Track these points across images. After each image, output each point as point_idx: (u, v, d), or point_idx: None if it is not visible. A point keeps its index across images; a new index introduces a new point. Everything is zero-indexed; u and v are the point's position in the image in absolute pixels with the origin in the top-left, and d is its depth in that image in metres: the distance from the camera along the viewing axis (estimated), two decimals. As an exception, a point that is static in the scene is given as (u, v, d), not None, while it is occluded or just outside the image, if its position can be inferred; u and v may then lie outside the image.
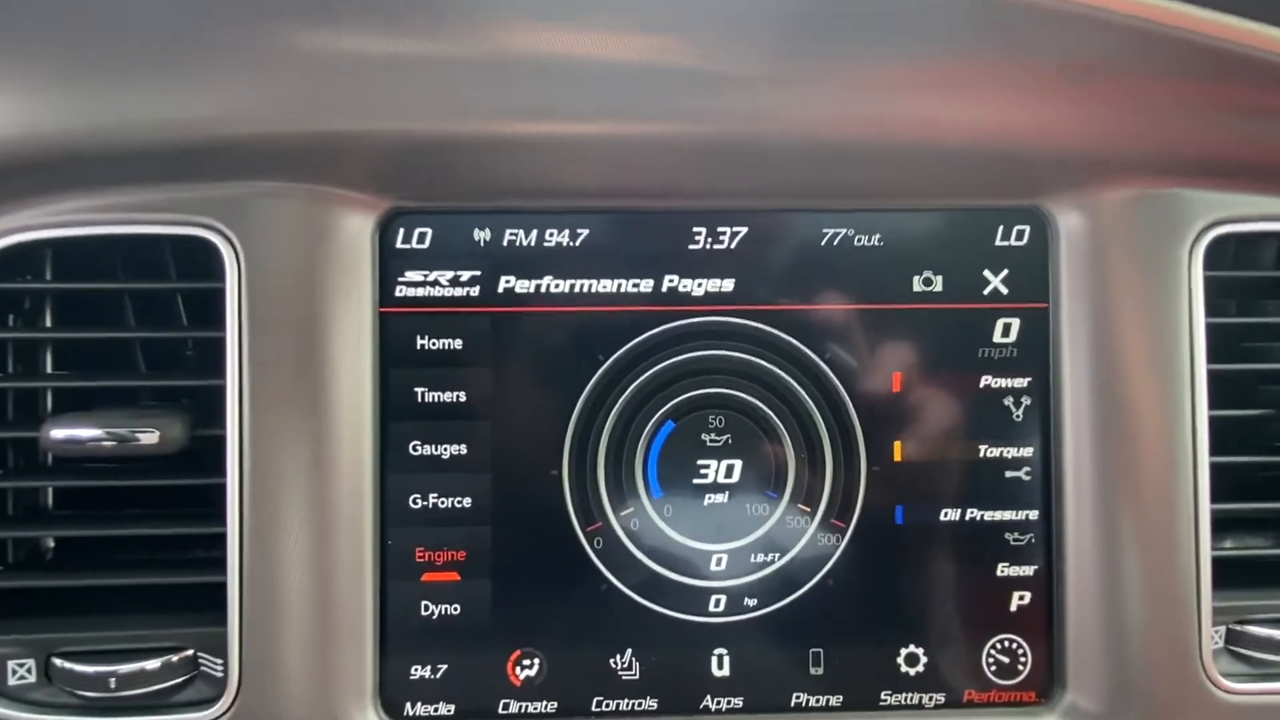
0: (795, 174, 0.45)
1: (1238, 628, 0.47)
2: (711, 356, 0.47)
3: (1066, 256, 0.47)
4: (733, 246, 0.47)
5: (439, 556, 0.46)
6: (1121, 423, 0.46)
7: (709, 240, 0.47)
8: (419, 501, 0.46)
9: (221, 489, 0.43)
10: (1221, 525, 0.48)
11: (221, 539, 0.43)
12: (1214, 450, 0.46)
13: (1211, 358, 0.46)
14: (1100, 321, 0.46)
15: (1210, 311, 0.46)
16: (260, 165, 0.43)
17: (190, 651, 0.44)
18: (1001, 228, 0.48)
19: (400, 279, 0.46)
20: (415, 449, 0.46)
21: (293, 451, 0.44)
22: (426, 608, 0.46)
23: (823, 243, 0.47)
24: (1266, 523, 0.50)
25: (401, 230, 0.46)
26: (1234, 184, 0.46)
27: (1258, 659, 0.46)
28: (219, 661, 0.44)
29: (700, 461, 0.47)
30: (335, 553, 0.44)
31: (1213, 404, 0.46)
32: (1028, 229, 0.47)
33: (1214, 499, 0.46)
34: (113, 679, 0.42)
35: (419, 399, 0.46)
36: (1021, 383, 0.47)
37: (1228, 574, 0.47)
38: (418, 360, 0.46)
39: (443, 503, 0.46)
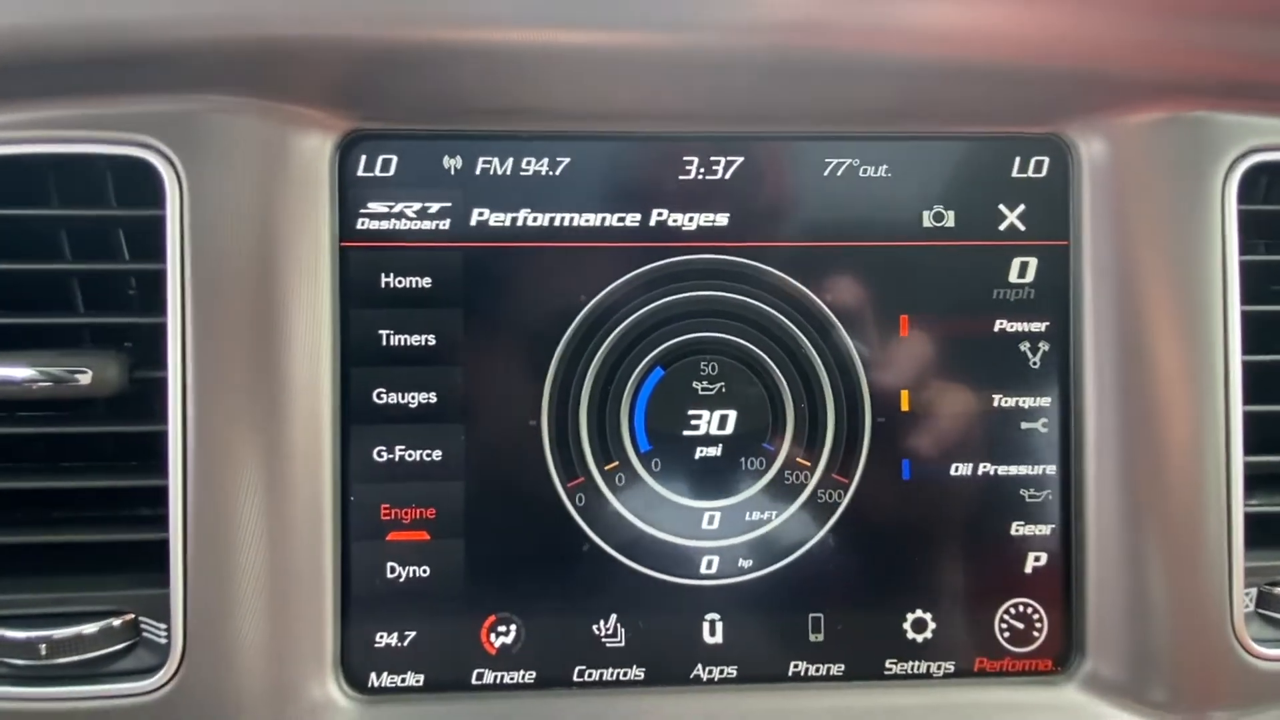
0: (794, 93, 0.41)
1: (1269, 589, 0.43)
2: (704, 297, 0.43)
3: (1089, 189, 0.43)
4: (727, 177, 0.43)
5: (406, 514, 0.42)
6: (1146, 369, 0.42)
7: (701, 170, 0.43)
8: (384, 454, 0.42)
9: (163, 437, 0.39)
10: (1250, 481, 0.45)
11: (165, 493, 0.39)
12: (1246, 399, 0.42)
13: (1244, 299, 0.43)
14: (1124, 260, 0.43)
15: (1241, 249, 0.43)
16: (203, 77, 0.39)
17: (131, 615, 0.40)
18: (1019, 158, 0.44)
19: (363, 210, 0.42)
20: (380, 397, 0.42)
21: (242, 398, 0.40)
22: (393, 570, 0.42)
23: (825, 174, 0.43)
24: (1296, 479, 0.47)
25: (364, 156, 0.42)
26: (1272, 106, 0.42)
27: (1291, 624, 0.43)
28: (163, 627, 0.40)
29: (691, 411, 0.43)
30: (291, 509, 0.40)
31: (1245, 349, 0.42)
32: (1047, 160, 0.44)
33: (1246, 451, 0.42)
34: (44, 645, 0.38)
35: (384, 342, 0.42)
36: (1039, 327, 0.44)
37: (1256, 532, 0.43)
38: (382, 300, 0.42)
39: (410, 456, 0.42)
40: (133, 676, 0.39)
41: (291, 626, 0.40)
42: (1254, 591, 0.43)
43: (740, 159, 0.43)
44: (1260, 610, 0.44)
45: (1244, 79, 0.42)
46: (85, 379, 0.38)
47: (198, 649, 0.39)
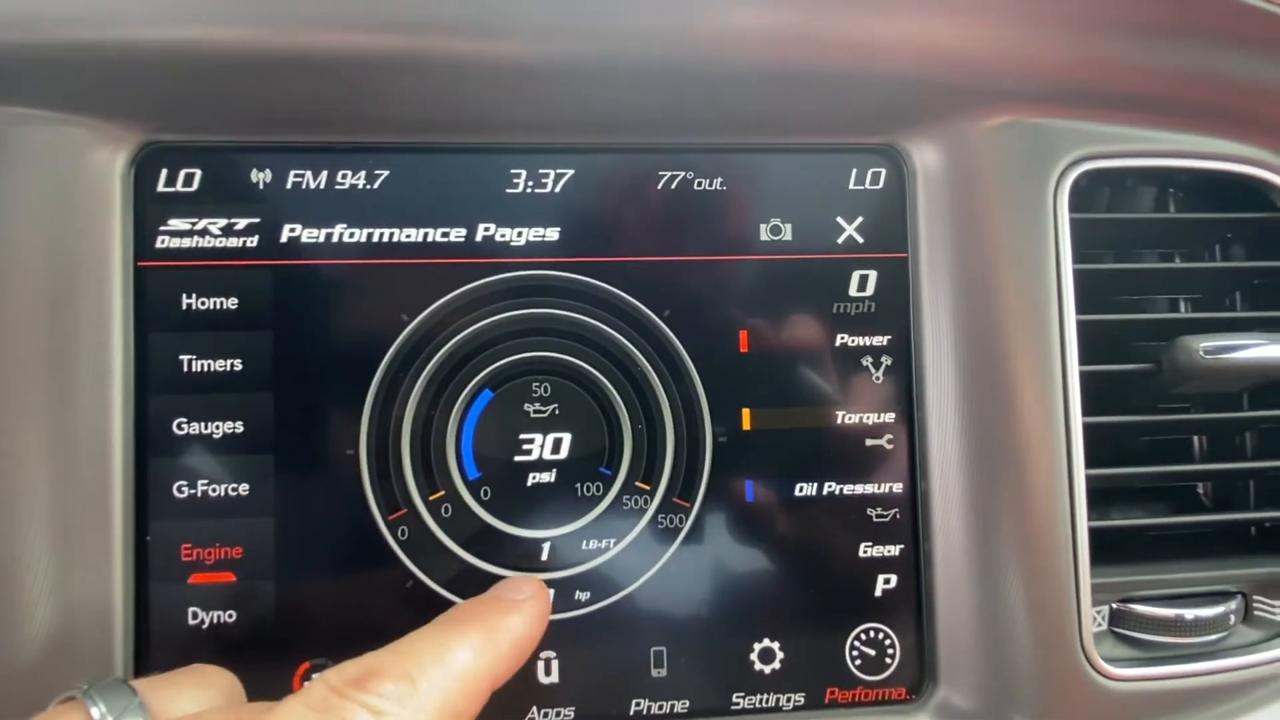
0: (622, 102, 0.40)
1: (1121, 607, 0.42)
2: (535, 315, 0.41)
3: (924, 200, 0.42)
4: (557, 190, 0.42)
5: (210, 554, 0.39)
6: (987, 383, 0.41)
7: (530, 184, 0.41)
8: (185, 489, 0.39)
9: (-76, 474, 0.36)
10: (1105, 496, 0.44)
11: (-74, 536, 0.36)
12: (1088, 410, 0.42)
13: (1083, 309, 0.42)
14: (961, 271, 0.42)
15: (1083, 261, 0.43)
16: (-28, 85, 0.36)
17: (-110, 674, 0.36)
18: (855, 170, 0.43)
19: (162, 228, 0.39)
20: (181, 427, 0.39)
21: (21, 429, 0.36)
22: (195, 615, 0.39)
23: (659, 186, 0.42)
24: (1149, 492, 0.46)
25: (164, 171, 0.39)
26: (1106, 115, 0.42)
27: (1143, 640, 0.42)
28: (-75, 686, 0.36)
29: (523, 436, 0.41)
30: (78, 550, 0.37)
31: (1085, 359, 0.42)
32: (883, 171, 0.43)
33: (1093, 465, 0.42)
34: None
35: (185, 368, 0.39)
36: (881, 340, 0.43)
37: (1111, 549, 0.42)
38: (184, 323, 0.39)
39: (214, 490, 0.39)
40: (-114, 741, 0.35)
41: (78, 679, 0.37)
42: (1106, 609, 0.42)
43: (570, 172, 0.42)
44: (1114, 629, 0.43)
45: (1075, 84, 0.41)
46: None
47: (-38, 708, 0.35)
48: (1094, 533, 0.41)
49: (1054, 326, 0.41)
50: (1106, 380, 0.43)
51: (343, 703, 0.28)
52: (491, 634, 0.33)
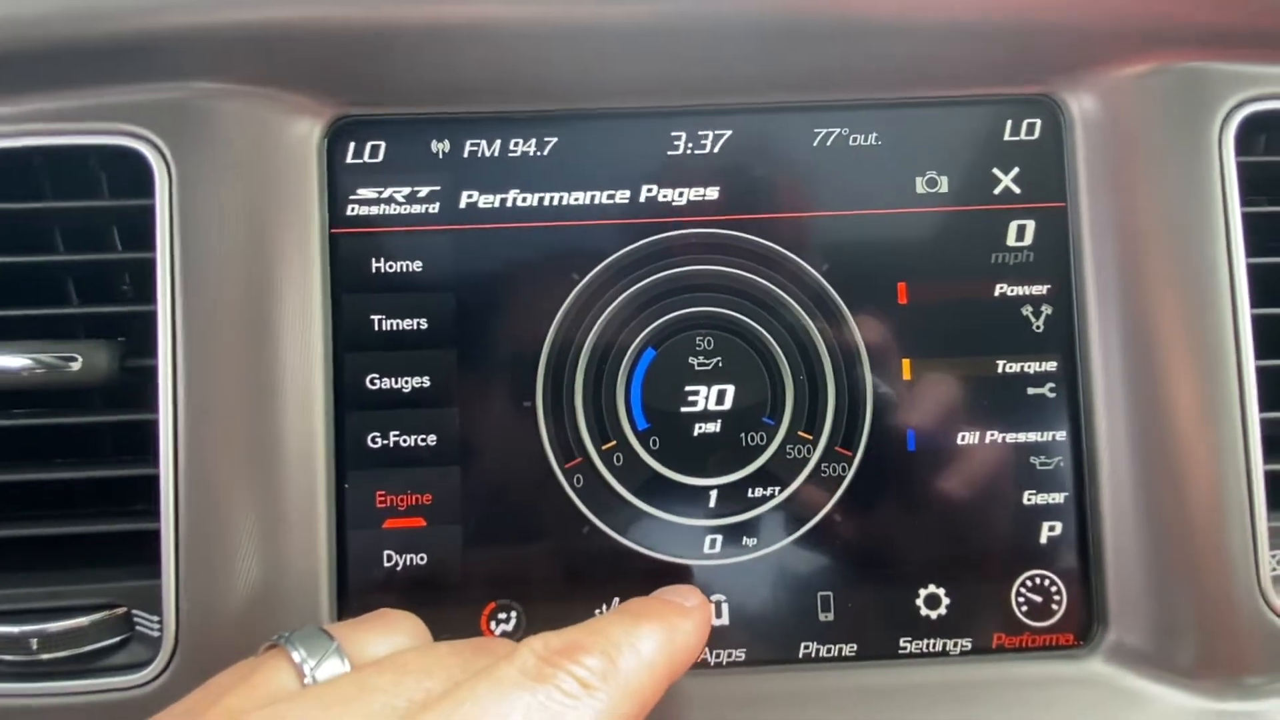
0: (779, 61, 0.41)
1: (1295, 552, 0.42)
2: (697, 271, 0.43)
3: (1083, 148, 0.42)
4: (716, 151, 0.43)
5: (402, 501, 0.42)
6: (1152, 327, 0.41)
7: (690, 145, 0.43)
8: (378, 440, 0.42)
9: (154, 426, 0.39)
10: (1272, 441, 0.43)
11: (156, 482, 0.39)
12: (1258, 354, 0.41)
13: (1250, 251, 0.42)
14: (1123, 218, 0.42)
15: (1243, 203, 0.42)
16: (191, 64, 0.39)
17: (124, 609, 0.39)
18: (1010, 121, 0.43)
19: (352, 196, 0.42)
20: (373, 383, 0.42)
21: (234, 385, 0.39)
22: (389, 558, 0.41)
23: (815, 144, 0.43)
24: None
25: (353, 143, 0.42)
26: (1264, 56, 0.41)
27: (1319, 586, 0.41)
28: (155, 620, 0.39)
29: (688, 388, 0.43)
30: (285, 498, 0.40)
31: (1253, 303, 0.41)
32: (1039, 121, 0.43)
33: (1263, 408, 0.41)
34: (35, 640, 0.37)
35: (376, 327, 0.42)
36: (1040, 289, 0.43)
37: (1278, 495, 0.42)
38: (373, 285, 0.42)
39: (405, 441, 0.42)
40: (125, 670, 0.39)
41: (286, 618, 0.39)
42: (1278, 554, 0.42)
43: (729, 132, 0.43)
44: (1287, 574, 0.42)
45: (1235, 26, 0.41)
46: (76, 365, 0.38)
47: (190, 641, 0.38)
48: (1269, 475, 0.41)
49: (1223, 270, 0.41)
50: (1269, 323, 0.43)
51: (554, 671, 0.30)
52: (671, 632, 0.34)
